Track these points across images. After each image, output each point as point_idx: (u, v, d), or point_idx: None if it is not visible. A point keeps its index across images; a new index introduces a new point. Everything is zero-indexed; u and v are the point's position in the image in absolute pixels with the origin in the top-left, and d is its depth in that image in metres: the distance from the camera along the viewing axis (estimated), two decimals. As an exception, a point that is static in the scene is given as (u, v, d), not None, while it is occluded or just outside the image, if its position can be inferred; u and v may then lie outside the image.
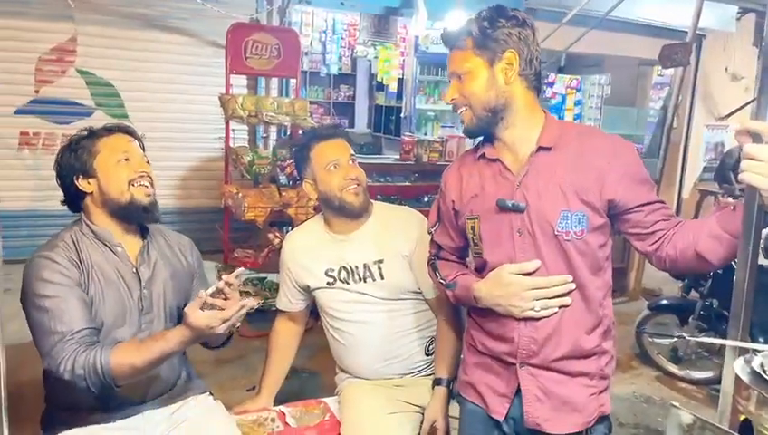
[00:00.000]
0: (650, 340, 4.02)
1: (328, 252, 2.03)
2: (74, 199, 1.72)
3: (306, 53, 6.83)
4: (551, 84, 5.95)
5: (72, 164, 1.69)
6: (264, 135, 5.94)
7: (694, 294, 3.85)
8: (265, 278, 4.54)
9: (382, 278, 1.97)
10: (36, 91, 5.26)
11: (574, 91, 5.91)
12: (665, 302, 4.07)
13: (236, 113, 4.03)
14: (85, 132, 1.74)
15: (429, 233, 1.72)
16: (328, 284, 2.02)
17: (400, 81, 7.38)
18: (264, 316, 4.30)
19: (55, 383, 1.67)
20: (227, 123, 4.28)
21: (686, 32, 4.87)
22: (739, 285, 1.23)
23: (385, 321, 1.99)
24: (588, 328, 1.49)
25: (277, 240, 4.10)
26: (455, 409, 1.80)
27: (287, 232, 4.70)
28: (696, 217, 4.72)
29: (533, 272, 1.45)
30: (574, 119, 5.91)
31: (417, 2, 5.89)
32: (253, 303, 1.56)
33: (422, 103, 7.58)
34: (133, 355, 1.53)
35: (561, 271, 1.45)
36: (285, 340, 2.18)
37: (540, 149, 1.46)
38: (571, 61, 7.93)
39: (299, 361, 3.60)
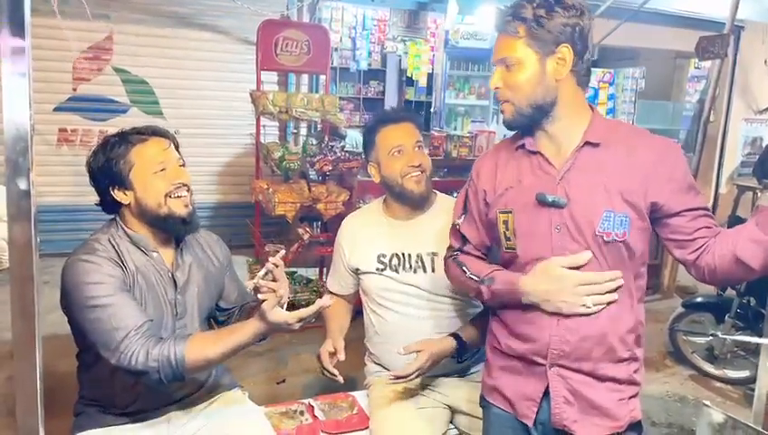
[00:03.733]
0: (684, 338, 3.94)
1: (383, 237, 2.00)
2: (110, 206, 1.68)
3: (336, 49, 6.85)
4: (583, 78, 5.85)
5: (107, 174, 1.63)
6: (295, 131, 5.99)
7: (730, 292, 3.76)
8: (295, 273, 4.58)
9: (433, 271, 1.93)
10: (74, 89, 5.41)
11: (607, 85, 5.82)
12: (700, 299, 3.98)
13: (267, 109, 4.06)
14: (116, 138, 1.66)
15: (455, 225, 1.65)
16: (377, 269, 1.98)
17: (430, 76, 7.35)
18: (294, 310, 4.37)
19: (91, 379, 1.70)
20: (258, 119, 4.32)
21: (724, 23, 4.74)
22: (776, 283, 1.20)
23: (426, 317, 1.95)
24: (623, 332, 1.43)
25: (307, 235, 4.13)
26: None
27: (317, 227, 4.75)
28: (733, 212, 4.59)
29: (584, 265, 1.39)
30: (607, 113, 5.81)
31: (447, -4, 5.87)
32: (328, 302, 1.53)
33: (452, 98, 7.54)
34: (208, 347, 1.52)
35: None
36: (338, 308, 2.12)
37: (586, 144, 1.40)
38: (605, 54, 7.80)
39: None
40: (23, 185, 0.81)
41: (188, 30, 5.53)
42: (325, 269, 4.73)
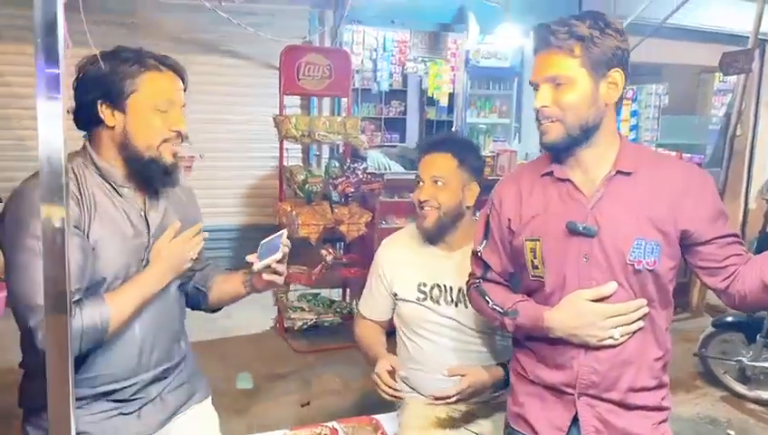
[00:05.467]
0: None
1: (424, 266, 1.97)
2: (84, 122, 1.44)
3: (358, 71, 6.94)
4: (605, 95, 5.82)
5: (102, 85, 1.39)
6: (317, 153, 6.05)
7: (762, 311, 3.68)
8: (318, 294, 4.61)
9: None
10: (103, 116, 5.53)
11: (630, 101, 5.78)
12: (730, 319, 3.89)
13: (290, 133, 4.13)
14: (131, 53, 1.43)
15: (476, 252, 1.62)
16: (417, 299, 1.96)
17: (451, 95, 7.39)
18: (317, 332, 4.40)
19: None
20: (281, 143, 4.39)
21: (748, 37, 4.70)
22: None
23: (462, 351, 1.93)
24: (651, 361, 1.43)
25: (330, 256, 4.16)
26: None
27: (340, 249, 4.77)
28: (763, 228, 4.50)
29: (610, 296, 1.37)
30: (630, 130, 5.77)
31: (467, 17, 5.94)
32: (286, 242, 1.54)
33: (473, 117, 7.56)
34: (122, 301, 1.38)
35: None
36: (375, 332, 2.09)
37: (618, 172, 1.39)
38: (629, 70, 7.75)
39: (351, 376, 3.66)
40: (56, 222, 0.84)
41: (214, 56, 5.65)
42: (348, 290, 4.74)
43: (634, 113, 5.85)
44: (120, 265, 1.42)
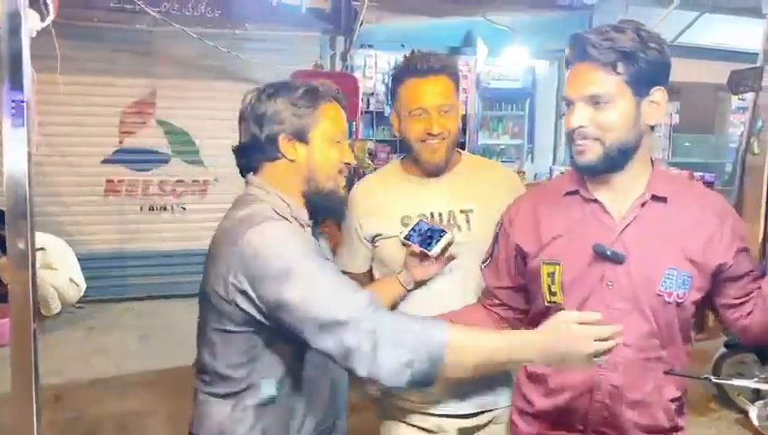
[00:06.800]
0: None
1: (406, 195, 1.69)
2: (258, 155, 1.37)
3: (372, 94, 7.02)
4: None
5: (285, 119, 1.34)
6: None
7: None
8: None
9: (469, 230, 1.64)
10: (120, 142, 5.70)
11: (641, 120, 5.76)
12: (743, 339, 3.81)
13: (298, 156, 4.19)
14: (305, 88, 1.37)
15: (480, 267, 1.52)
16: (402, 234, 1.63)
17: (463, 117, 7.40)
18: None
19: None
20: (290, 166, 4.46)
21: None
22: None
23: (460, 289, 1.63)
24: (666, 402, 1.34)
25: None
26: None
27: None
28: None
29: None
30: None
31: (476, 40, 6.00)
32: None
33: (485, 138, 7.58)
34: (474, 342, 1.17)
35: (652, 335, 1.28)
36: (364, 278, 1.78)
37: (653, 197, 1.29)
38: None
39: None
40: (20, 243, 0.88)
41: (227, 81, 5.78)
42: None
43: (646, 132, 5.83)
44: None
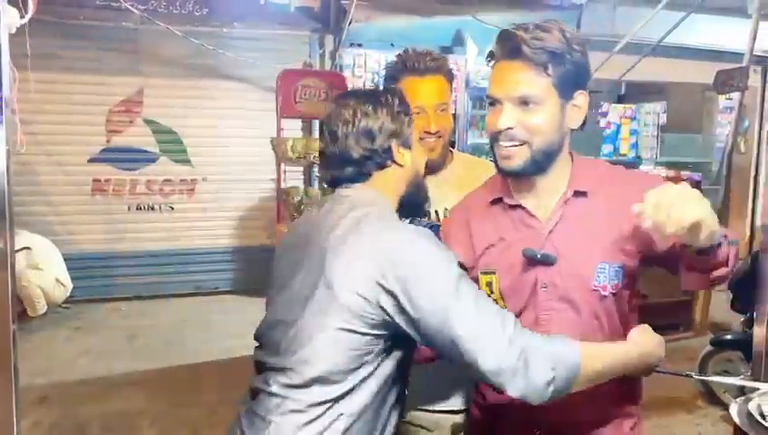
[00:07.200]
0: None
1: None
2: (371, 166, 1.35)
3: (361, 93, 7.01)
4: (604, 114, 5.85)
5: (391, 126, 1.34)
6: (318, 175, 6.11)
7: (761, 329, 3.63)
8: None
9: None
10: (107, 141, 5.66)
11: (629, 120, 5.79)
12: (728, 337, 3.84)
13: (287, 155, 4.18)
14: (396, 95, 1.39)
15: None
16: None
17: (453, 116, 7.43)
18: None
19: None
20: (279, 165, 4.44)
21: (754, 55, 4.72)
22: None
23: None
24: (617, 392, 1.31)
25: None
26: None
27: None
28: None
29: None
30: (630, 148, 5.77)
31: (465, 39, 6.01)
32: None
33: (475, 138, 7.59)
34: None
35: (593, 331, 1.26)
36: None
37: (574, 193, 1.28)
38: (632, 89, 7.78)
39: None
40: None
41: (214, 80, 5.76)
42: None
43: (633, 132, 5.86)
44: None
